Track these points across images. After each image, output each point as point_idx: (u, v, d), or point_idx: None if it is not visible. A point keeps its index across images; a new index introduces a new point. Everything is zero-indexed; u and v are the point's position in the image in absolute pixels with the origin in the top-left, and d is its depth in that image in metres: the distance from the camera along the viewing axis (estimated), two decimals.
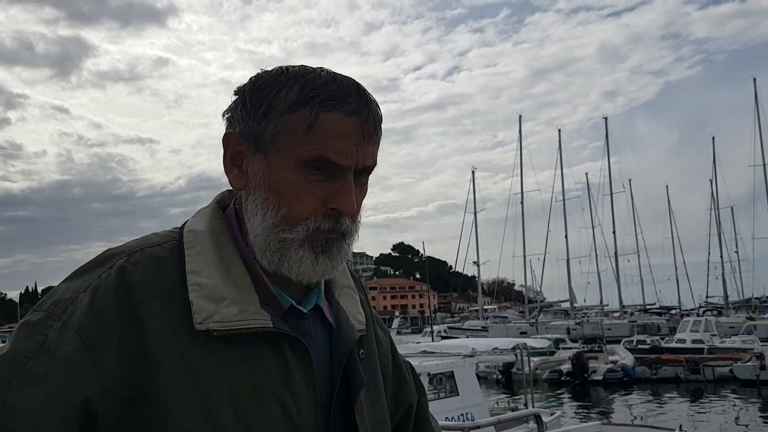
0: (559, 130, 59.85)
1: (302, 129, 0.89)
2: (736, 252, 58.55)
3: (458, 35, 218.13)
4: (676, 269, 65.12)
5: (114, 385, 0.82)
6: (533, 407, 11.77)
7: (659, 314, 55.77)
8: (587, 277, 62.13)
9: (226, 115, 0.97)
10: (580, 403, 22.27)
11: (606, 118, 61.21)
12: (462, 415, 10.36)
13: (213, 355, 0.85)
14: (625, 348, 31.08)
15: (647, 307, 62.49)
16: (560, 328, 48.84)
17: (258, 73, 0.95)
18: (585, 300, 60.37)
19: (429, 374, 10.61)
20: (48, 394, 0.80)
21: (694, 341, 31.70)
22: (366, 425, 0.96)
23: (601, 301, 62.11)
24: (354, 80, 0.94)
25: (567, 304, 60.66)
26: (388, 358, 1.11)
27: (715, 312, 55.13)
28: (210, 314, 0.86)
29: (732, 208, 59.30)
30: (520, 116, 61.36)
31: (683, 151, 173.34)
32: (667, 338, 35.72)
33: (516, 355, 27.27)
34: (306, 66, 0.94)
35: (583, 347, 28.86)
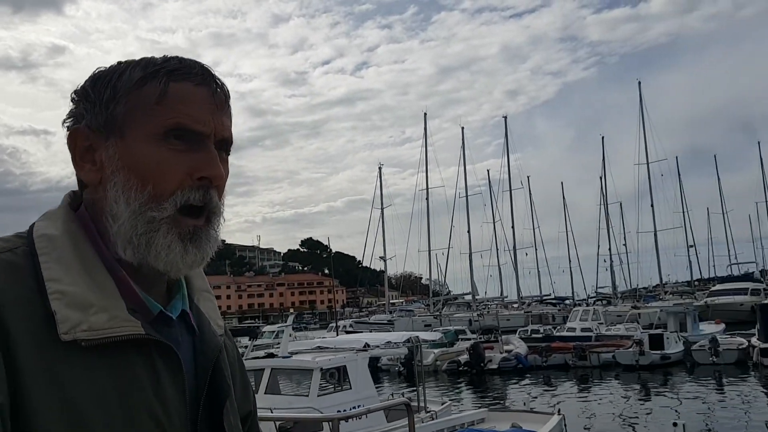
0: (462, 128, 61.69)
1: (154, 99, 0.88)
2: (624, 245, 62.42)
3: (367, 30, 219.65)
4: (569, 261, 68.73)
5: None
6: (424, 398, 12.26)
7: (554, 304, 58.60)
8: (488, 270, 64.45)
9: (67, 122, 0.94)
10: (476, 392, 23.15)
11: (506, 117, 63.89)
12: (354, 407, 10.67)
13: (80, 366, 0.80)
14: (520, 337, 32.63)
15: (543, 297, 65.55)
16: (463, 320, 50.41)
17: (96, 69, 0.94)
18: (486, 292, 62.52)
19: (321, 369, 10.86)
20: None
21: (583, 329, 33.60)
22: (231, 428, 0.95)
23: (501, 293, 64.63)
24: (196, 60, 0.94)
25: (470, 297, 62.63)
26: (234, 363, 1.06)
27: (604, 302, 58.61)
28: (76, 323, 0.81)
29: (621, 204, 63.16)
30: (425, 113, 62.78)
31: (579, 149, 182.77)
32: (558, 327, 37.71)
33: (408, 348, 28.15)
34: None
35: (480, 338, 29.95)
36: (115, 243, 0.88)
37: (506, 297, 64.02)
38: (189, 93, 0.89)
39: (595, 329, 33.84)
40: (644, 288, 62.27)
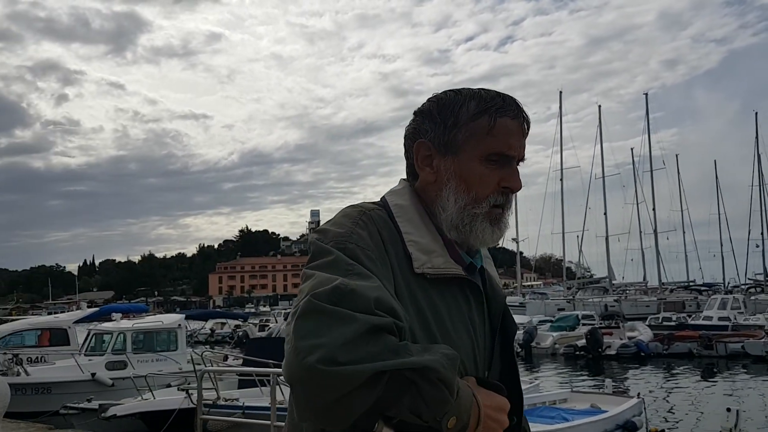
0: (599, 107, 59.23)
1: (486, 130, 1.23)
2: None
3: (512, 3, 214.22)
4: (721, 245, 64.26)
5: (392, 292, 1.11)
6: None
7: (699, 291, 55.36)
8: (629, 253, 61.89)
9: (409, 130, 1.31)
10: (592, 376, 23.18)
11: (646, 94, 60.52)
12: None
13: (425, 290, 1.17)
14: (650, 325, 31.74)
15: (689, 284, 61.99)
16: (597, 305, 49.26)
17: (436, 95, 1.30)
18: (623, 277, 60.20)
19: None
20: (377, 282, 1.07)
21: (720, 318, 31.98)
22: (515, 359, 1.31)
23: (645, 277, 61.84)
24: (509, 95, 1.28)
25: (607, 281, 60.65)
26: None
27: (758, 289, 54.48)
28: (424, 262, 1.18)
29: None
30: (561, 92, 60.78)
31: (743, 123, 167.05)
32: (694, 315, 36.06)
33: (526, 331, 28.33)
34: (471, 88, 1.29)
35: (601, 323, 29.62)
36: (441, 224, 1.25)
37: (647, 282, 61.27)
38: (508, 126, 1.24)
39: (734, 318, 32.11)
40: None
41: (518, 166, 1.28)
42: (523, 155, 1.27)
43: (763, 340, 24.14)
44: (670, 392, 19.19)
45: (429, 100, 1.30)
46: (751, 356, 24.02)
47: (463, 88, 1.29)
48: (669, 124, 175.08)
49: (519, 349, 27.94)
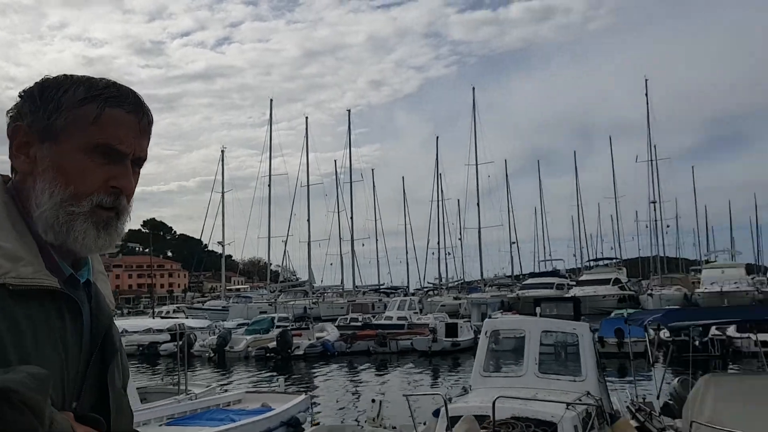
0: (306, 118, 62.36)
1: (90, 119, 1.09)
2: (460, 240, 66.37)
3: (231, 5, 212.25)
4: (407, 253, 72.01)
5: None
6: (186, 381, 12.98)
7: (387, 294, 61.19)
8: (329, 258, 65.88)
9: (10, 113, 1.14)
10: (282, 376, 24.01)
11: (349, 111, 65.49)
12: None
13: (4, 306, 0.97)
14: (339, 325, 34.18)
15: (380, 286, 68.21)
16: (298, 307, 51.34)
17: (44, 77, 1.14)
18: (322, 280, 63.87)
19: None
20: None
21: (399, 318, 35.75)
22: (114, 388, 1.14)
23: (342, 282, 66.36)
24: (131, 89, 1.16)
25: (308, 285, 63.65)
26: (119, 340, 1.24)
27: (432, 292, 62.21)
28: (7, 270, 0.99)
29: (459, 201, 66.88)
30: (272, 100, 62.69)
31: (431, 145, 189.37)
32: (377, 316, 39.80)
33: (219, 336, 28.41)
34: (91, 76, 1.16)
35: (293, 325, 31.04)
36: (37, 224, 1.09)
37: (344, 285, 65.82)
38: (120, 118, 1.11)
39: (410, 318, 36.13)
40: (468, 282, 66.54)
41: (140, 168, 1.17)
42: (142, 154, 1.15)
43: (428, 336, 27.63)
44: (346, 387, 20.90)
45: (36, 81, 1.15)
46: (418, 351, 27.36)
47: (81, 75, 1.15)
48: (373, 140, 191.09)
49: (212, 354, 27.86)
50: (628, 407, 10.69)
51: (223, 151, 63.59)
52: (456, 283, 67.65)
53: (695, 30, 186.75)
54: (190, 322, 17.53)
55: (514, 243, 69.67)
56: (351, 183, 62.31)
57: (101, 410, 1.09)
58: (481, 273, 62.38)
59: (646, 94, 59.33)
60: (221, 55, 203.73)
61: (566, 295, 43.16)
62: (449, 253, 65.35)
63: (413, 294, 63.46)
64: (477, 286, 61.29)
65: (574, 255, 73.87)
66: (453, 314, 41.17)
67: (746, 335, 21.23)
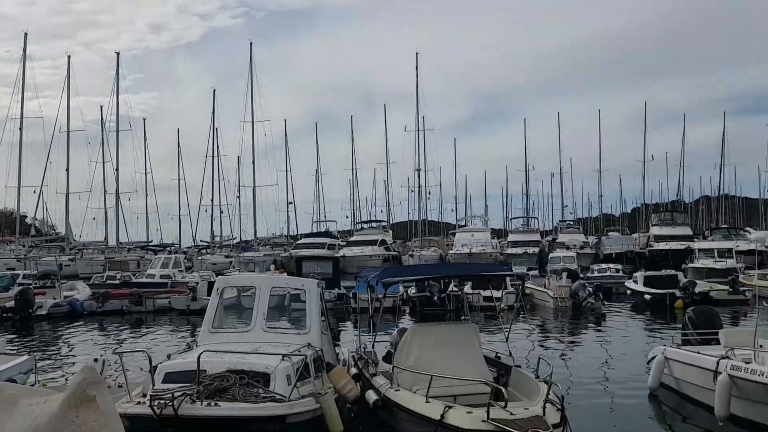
0: (69, 57, 56.03)
1: None
2: (238, 197, 65.02)
3: None
4: (179, 209, 69.10)
5: None
6: None
7: (155, 251, 58.45)
8: (92, 212, 60.94)
9: None
10: (21, 337, 22.07)
11: (118, 53, 59.81)
12: None
13: None
14: (95, 283, 32.08)
15: (147, 244, 64.89)
16: (50, 264, 46.96)
17: None
18: (81, 236, 59.11)
19: None
20: None
21: (162, 276, 34.45)
22: None
23: (106, 238, 61.83)
24: None
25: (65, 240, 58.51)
26: None
27: (206, 250, 60.80)
28: None
29: (239, 158, 65.08)
30: (26, 33, 55.13)
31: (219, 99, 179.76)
32: (138, 274, 37.99)
33: None
34: None
35: (36, 283, 28.45)
36: None
37: (108, 242, 61.48)
38: None
39: (174, 276, 34.99)
40: (247, 241, 65.93)
41: None
42: None
43: (187, 296, 27.11)
44: (86, 348, 19.66)
45: None
46: (176, 310, 26.74)
47: None
48: (150, 88, 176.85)
49: None
50: (353, 356, 11.57)
51: None
52: (230, 241, 66.76)
53: (466, 7, 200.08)
54: None
55: (291, 203, 70.52)
56: (118, 131, 57.82)
57: None
58: (255, 232, 62.17)
59: (417, 67, 62.61)
60: None
61: (334, 255, 44.86)
62: (222, 212, 64.12)
63: (185, 252, 61.65)
64: (252, 245, 61.06)
65: (347, 217, 76.75)
66: (222, 273, 40.72)
67: (477, 291, 24.01)
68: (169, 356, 9.03)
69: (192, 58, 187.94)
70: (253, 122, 56.76)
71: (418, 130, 61.71)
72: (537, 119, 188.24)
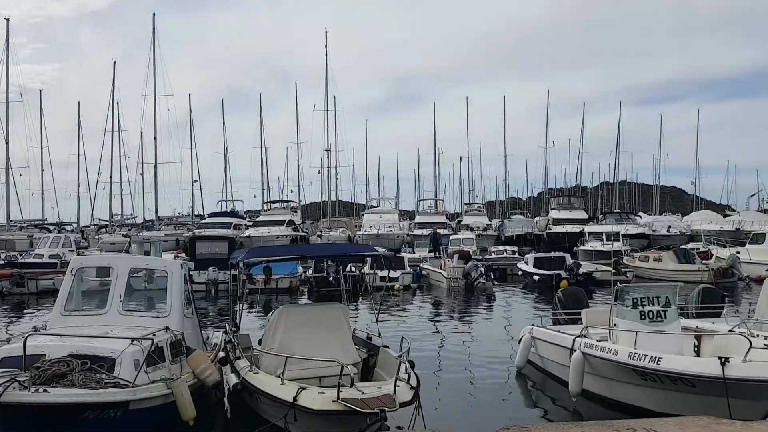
0: None
1: None
2: (141, 175, 62.22)
3: None
4: (78, 186, 65.71)
5: None
6: None
7: (49, 230, 55.44)
8: None
9: None
10: None
11: (8, 20, 55.68)
12: None
13: None
14: None
15: (42, 222, 61.42)
16: None
17: None
18: None
19: None
20: None
21: (51, 256, 32.70)
22: None
23: None
24: None
25: None
26: None
27: (105, 229, 58.11)
28: None
29: (142, 133, 62.14)
30: None
31: (128, 70, 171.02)
32: (25, 254, 35.92)
33: None
34: None
35: None
36: None
37: None
38: None
39: (64, 256, 33.27)
40: (150, 219, 63.50)
41: None
42: None
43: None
44: None
45: None
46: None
47: None
48: (52, 59, 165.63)
49: None
50: (222, 340, 11.29)
51: None
52: (131, 220, 64.14)
53: None
54: None
55: (196, 181, 68.34)
56: (8, 103, 54.02)
57: None
58: (156, 210, 59.86)
59: (326, 46, 61.87)
60: None
61: (228, 236, 43.50)
62: (123, 189, 61.39)
63: (82, 231, 58.82)
64: (154, 224, 58.82)
65: (255, 196, 75.11)
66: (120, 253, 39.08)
67: (372, 272, 24.15)
68: (8, 340, 8.48)
69: (97, 28, 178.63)
70: (155, 96, 54.46)
71: (327, 110, 61.14)
72: (447, 103, 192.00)
